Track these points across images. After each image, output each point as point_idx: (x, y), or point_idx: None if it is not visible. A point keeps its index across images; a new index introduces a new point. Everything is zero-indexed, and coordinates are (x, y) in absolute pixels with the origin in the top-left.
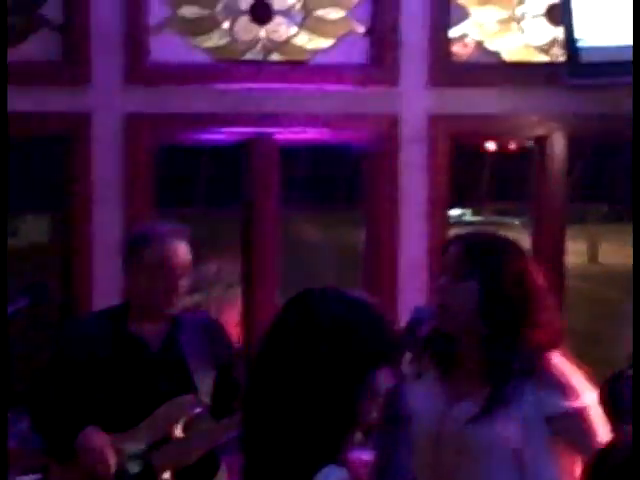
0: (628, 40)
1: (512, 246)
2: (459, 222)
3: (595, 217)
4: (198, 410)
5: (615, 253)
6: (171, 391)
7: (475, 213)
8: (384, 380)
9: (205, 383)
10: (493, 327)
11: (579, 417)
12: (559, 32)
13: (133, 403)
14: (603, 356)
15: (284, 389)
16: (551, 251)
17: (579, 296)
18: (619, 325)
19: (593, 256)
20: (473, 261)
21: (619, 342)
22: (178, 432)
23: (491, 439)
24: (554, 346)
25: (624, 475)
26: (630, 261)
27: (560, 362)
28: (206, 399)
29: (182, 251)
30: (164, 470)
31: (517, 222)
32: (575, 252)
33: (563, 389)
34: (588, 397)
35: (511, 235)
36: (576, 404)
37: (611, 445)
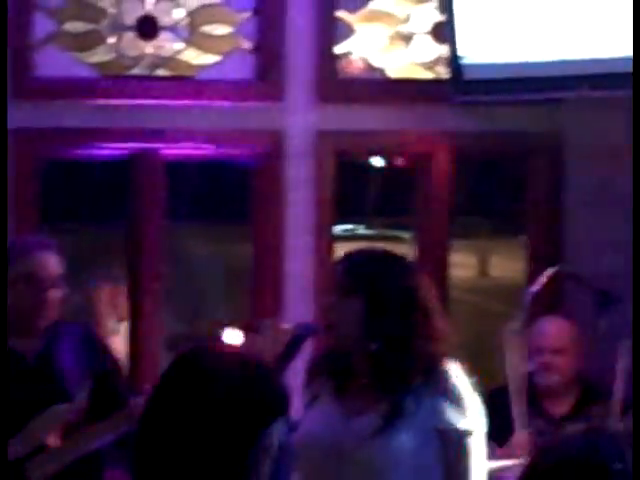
0: (512, 57)
1: (398, 261)
2: (352, 236)
3: (485, 232)
4: (73, 417)
5: (504, 267)
6: (47, 401)
7: (368, 227)
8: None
9: (81, 392)
10: (382, 342)
11: (464, 436)
12: (444, 50)
13: (11, 416)
14: (490, 369)
15: (174, 456)
16: (435, 265)
17: (469, 309)
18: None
19: (483, 270)
20: (357, 278)
21: (504, 355)
22: (53, 441)
23: (395, 451)
24: (447, 356)
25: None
26: (517, 275)
27: (455, 373)
28: (81, 407)
29: (50, 263)
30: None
31: (408, 236)
32: (466, 265)
33: (457, 403)
34: (477, 417)
35: (402, 249)
36: (464, 424)
37: (542, 450)
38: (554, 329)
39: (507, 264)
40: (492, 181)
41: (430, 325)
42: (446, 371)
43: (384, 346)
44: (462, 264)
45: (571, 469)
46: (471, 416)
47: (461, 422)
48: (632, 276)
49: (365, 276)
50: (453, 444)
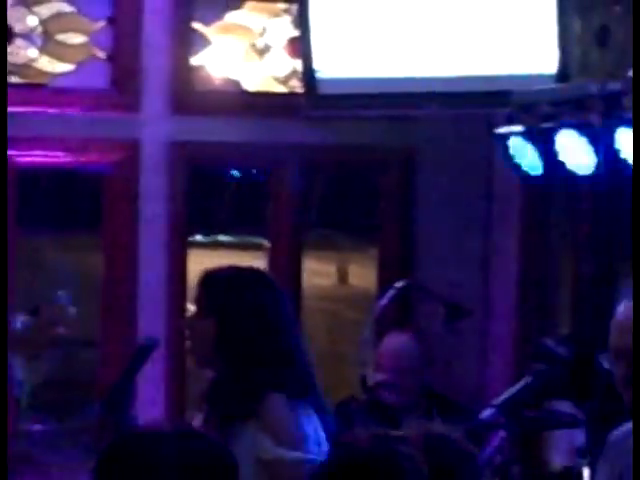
0: (365, 73)
1: (255, 278)
2: (211, 244)
3: (344, 242)
4: None
5: (363, 276)
6: None
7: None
8: None
9: None
10: (227, 363)
11: (285, 468)
12: (299, 64)
13: None
14: (347, 376)
15: None
16: (288, 274)
17: (327, 317)
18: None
19: (342, 278)
20: (211, 296)
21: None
22: None
23: None
24: (281, 387)
25: None
26: (374, 285)
27: (281, 405)
28: None
29: None
30: None
31: (265, 243)
32: (325, 274)
33: (278, 435)
34: (299, 450)
35: (260, 256)
36: (287, 455)
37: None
38: (398, 348)
39: (366, 273)
40: (349, 193)
41: (277, 349)
42: (274, 402)
43: (228, 368)
44: (322, 273)
45: (361, 467)
46: (296, 446)
47: (280, 452)
48: (483, 288)
49: (219, 295)
50: (277, 475)
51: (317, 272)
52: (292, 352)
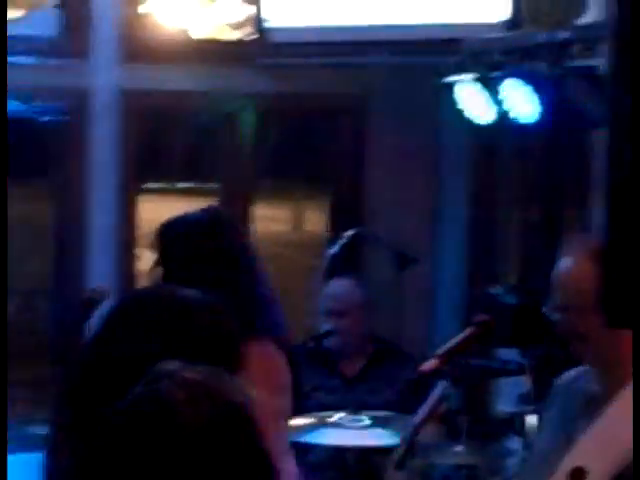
0: (316, 21)
1: (211, 226)
2: (163, 190)
3: (300, 188)
4: None
5: (318, 221)
6: None
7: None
8: None
9: None
10: None
11: None
12: (251, 11)
13: None
14: (300, 323)
15: None
16: (241, 219)
17: (284, 263)
18: (309, 292)
19: (297, 225)
20: (163, 246)
21: (309, 309)
22: None
23: None
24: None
25: None
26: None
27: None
28: None
29: None
30: None
31: (217, 188)
32: (281, 220)
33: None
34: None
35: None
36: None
37: None
38: (339, 292)
39: (321, 220)
40: (303, 141)
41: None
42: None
43: None
44: (277, 219)
45: None
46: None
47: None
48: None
49: (171, 247)
50: None
51: (272, 218)
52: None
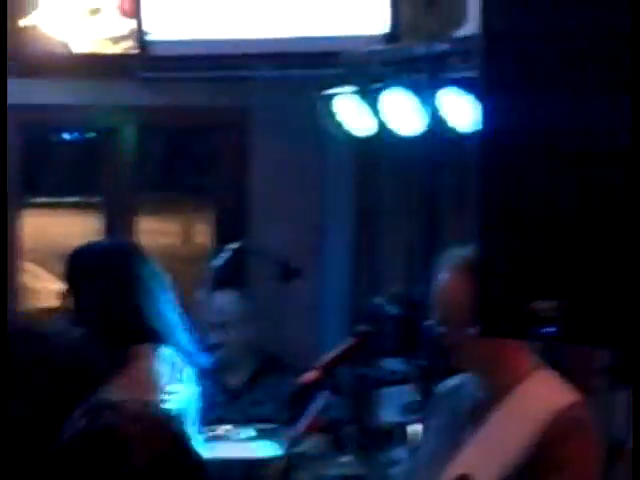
0: (195, 34)
1: (117, 253)
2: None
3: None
4: None
5: (207, 236)
6: None
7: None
8: None
9: None
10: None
11: None
12: (132, 24)
13: None
14: None
15: None
16: (123, 236)
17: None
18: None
19: (187, 238)
20: (72, 276)
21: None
22: None
23: None
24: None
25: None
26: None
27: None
28: None
29: None
30: None
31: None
32: (171, 234)
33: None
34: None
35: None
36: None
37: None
38: (222, 305)
39: (209, 232)
40: (188, 155)
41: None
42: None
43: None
44: (166, 232)
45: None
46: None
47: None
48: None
49: (79, 273)
50: None
51: (161, 232)
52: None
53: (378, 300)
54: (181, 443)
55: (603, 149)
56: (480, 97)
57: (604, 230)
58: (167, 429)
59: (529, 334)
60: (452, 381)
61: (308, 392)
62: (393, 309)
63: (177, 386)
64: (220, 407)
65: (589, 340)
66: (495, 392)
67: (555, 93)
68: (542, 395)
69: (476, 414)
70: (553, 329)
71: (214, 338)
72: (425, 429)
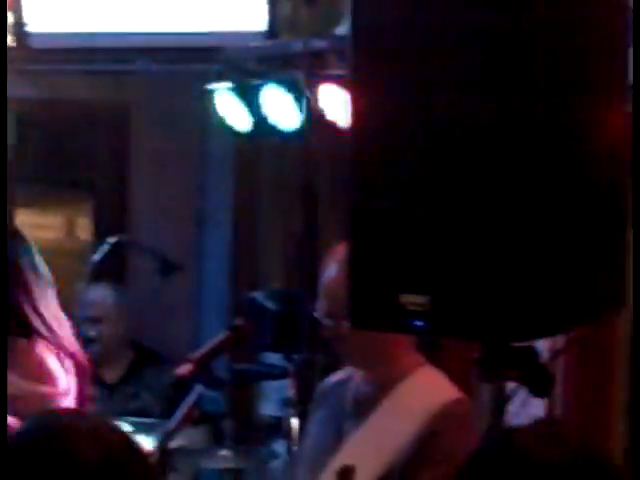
0: (76, 27)
1: None
2: None
3: (70, 196)
4: None
5: (88, 229)
6: None
7: None
8: None
9: None
10: None
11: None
12: (11, 17)
13: None
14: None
15: None
16: None
17: (55, 271)
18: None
19: (69, 231)
20: None
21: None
22: None
23: None
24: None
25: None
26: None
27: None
28: None
29: None
30: None
31: None
32: (53, 228)
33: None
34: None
35: None
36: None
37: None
38: (95, 299)
39: (91, 226)
40: (64, 147)
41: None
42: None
43: None
44: (48, 226)
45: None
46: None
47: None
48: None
49: None
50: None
51: (43, 226)
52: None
53: (256, 295)
54: (127, 439)
55: (474, 144)
56: (351, 93)
57: (471, 226)
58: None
59: (398, 327)
60: (337, 375)
61: (183, 385)
62: (271, 304)
63: (58, 380)
64: (97, 401)
65: (457, 333)
66: (379, 387)
67: (425, 88)
68: (426, 391)
69: (361, 408)
70: (422, 322)
71: (89, 332)
72: (309, 422)
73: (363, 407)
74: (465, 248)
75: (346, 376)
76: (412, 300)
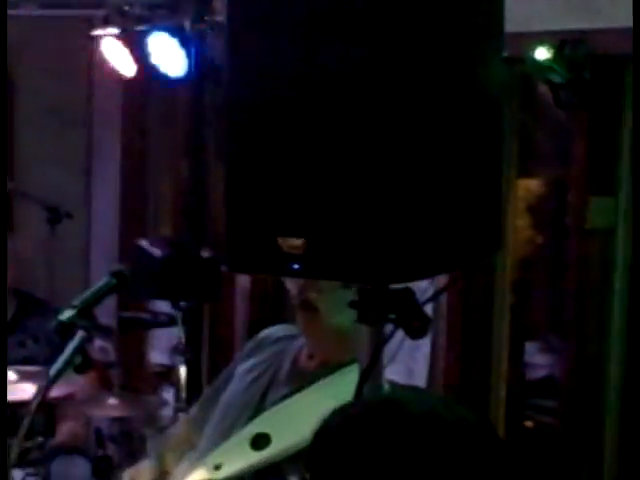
0: None
1: None
2: None
3: None
4: None
5: None
6: None
7: None
8: None
9: None
10: None
11: None
12: None
13: None
14: None
15: None
16: None
17: None
18: None
19: None
20: None
21: None
22: None
23: None
24: None
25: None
26: None
27: None
28: None
29: None
30: None
31: None
32: None
33: None
34: None
35: None
36: None
37: None
38: None
39: None
40: None
41: None
42: None
43: None
44: None
45: None
46: None
47: None
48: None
49: None
50: None
51: None
52: None
53: (142, 242)
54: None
55: (342, 94)
56: (227, 39)
57: (346, 168)
58: None
59: (275, 270)
60: (279, 330)
61: (67, 331)
62: (157, 251)
63: None
64: None
65: (333, 275)
66: (323, 365)
67: (299, 35)
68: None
69: (296, 378)
70: (298, 265)
71: None
72: (232, 371)
73: (299, 379)
74: (339, 190)
75: (289, 335)
76: (288, 243)
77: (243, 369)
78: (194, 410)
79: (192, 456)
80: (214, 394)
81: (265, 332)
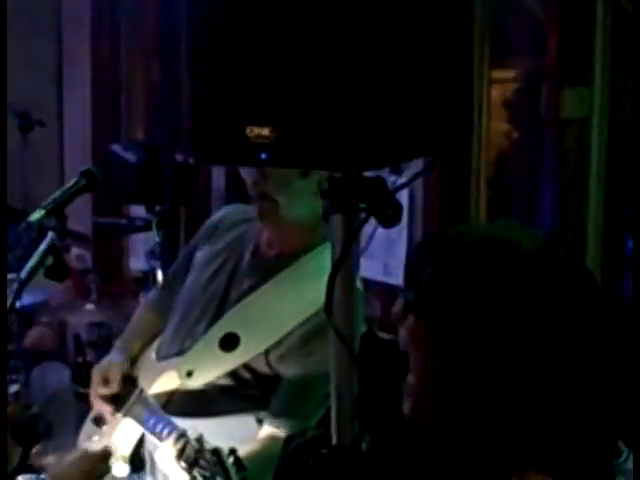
0: None
1: None
2: None
3: None
4: None
5: None
6: None
7: None
8: None
9: None
10: None
11: None
12: None
13: None
14: None
15: None
16: None
17: None
18: None
19: None
20: None
21: None
22: None
23: None
24: None
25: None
26: None
27: None
28: None
29: None
30: None
31: None
32: None
33: None
34: None
35: None
36: None
37: None
38: None
39: None
40: None
41: None
42: None
43: None
44: None
45: None
46: None
47: None
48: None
49: None
50: None
51: None
52: None
53: (117, 147)
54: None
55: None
56: None
57: (311, 53)
58: None
59: (243, 160)
60: (235, 214)
61: (37, 235)
62: (131, 155)
63: None
64: None
65: (301, 164)
66: (285, 253)
67: None
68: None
69: (258, 270)
70: (266, 154)
71: None
72: (188, 256)
73: (261, 269)
74: (307, 76)
75: (246, 218)
76: (256, 132)
77: (203, 256)
78: (155, 294)
79: (158, 347)
80: (175, 280)
81: (220, 214)
